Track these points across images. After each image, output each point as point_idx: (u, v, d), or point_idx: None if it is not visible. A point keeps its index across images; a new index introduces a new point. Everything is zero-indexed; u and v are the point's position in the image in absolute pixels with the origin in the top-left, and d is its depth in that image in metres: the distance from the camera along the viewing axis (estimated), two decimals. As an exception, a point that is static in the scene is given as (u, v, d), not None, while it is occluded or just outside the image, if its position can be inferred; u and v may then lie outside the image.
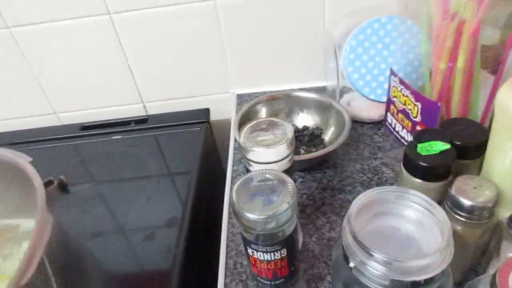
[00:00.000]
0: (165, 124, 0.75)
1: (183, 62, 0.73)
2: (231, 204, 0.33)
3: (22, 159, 0.35)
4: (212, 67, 0.74)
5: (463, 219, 0.37)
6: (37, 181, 0.33)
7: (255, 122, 0.41)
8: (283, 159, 0.39)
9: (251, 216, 0.32)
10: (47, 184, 0.35)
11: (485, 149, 0.40)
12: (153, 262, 0.51)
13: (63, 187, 0.37)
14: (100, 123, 0.77)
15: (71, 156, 0.72)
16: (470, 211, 0.36)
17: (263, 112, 0.63)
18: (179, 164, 0.66)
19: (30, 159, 0.36)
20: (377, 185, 0.54)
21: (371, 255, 0.29)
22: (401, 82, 0.50)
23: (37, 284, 0.30)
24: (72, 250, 0.41)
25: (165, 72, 0.75)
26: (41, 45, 0.71)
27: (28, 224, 0.44)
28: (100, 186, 0.64)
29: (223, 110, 0.79)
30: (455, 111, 0.50)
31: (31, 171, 0.34)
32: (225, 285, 0.45)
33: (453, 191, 0.37)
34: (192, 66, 0.74)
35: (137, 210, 0.58)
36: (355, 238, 0.30)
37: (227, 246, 0.50)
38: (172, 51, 0.72)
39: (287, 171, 0.40)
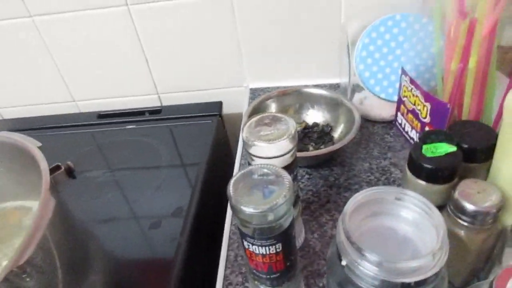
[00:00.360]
0: (178, 116, 0.76)
1: (198, 55, 0.74)
2: (228, 197, 0.33)
3: (31, 144, 0.37)
4: (226, 60, 0.74)
5: (466, 224, 0.36)
6: (43, 165, 0.34)
7: (258, 117, 0.41)
8: (285, 154, 0.39)
9: (247, 209, 0.32)
10: (55, 169, 0.36)
11: (494, 153, 0.39)
12: (157, 249, 0.52)
13: (70, 173, 0.38)
14: (116, 112, 0.79)
15: (87, 143, 0.74)
16: (473, 215, 0.36)
17: (273, 107, 0.63)
18: (190, 155, 0.67)
19: (39, 144, 0.37)
20: (384, 185, 0.53)
21: (363, 255, 0.29)
22: (412, 81, 0.50)
23: (38, 263, 0.31)
24: (79, 233, 0.42)
25: (180, 64, 0.76)
26: (62, 34, 0.73)
27: (38, 206, 0.46)
28: (112, 173, 0.66)
29: (237, 103, 0.79)
30: (467, 113, 0.48)
31: (38, 155, 0.35)
32: (225, 276, 0.46)
33: (456, 194, 0.37)
34: (207, 59, 0.75)
35: (146, 198, 0.60)
36: (348, 236, 0.30)
37: (230, 238, 0.50)
38: (188, 43, 0.73)
39: (289, 166, 0.40)
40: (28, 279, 0.31)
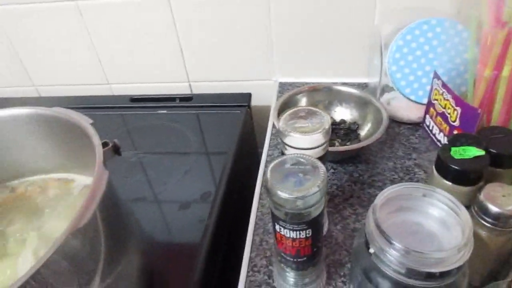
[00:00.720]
0: (208, 104, 0.78)
1: (231, 46, 0.76)
2: (265, 181, 0.35)
3: (84, 121, 0.40)
4: (258, 54, 0.76)
5: (489, 225, 0.38)
6: (96, 140, 0.37)
7: (295, 109, 0.43)
8: (317, 147, 0.41)
9: (282, 194, 0.34)
10: (103, 145, 0.39)
11: (521, 159, 0.40)
12: (185, 230, 0.55)
13: (116, 150, 0.41)
14: (148, 97, 0.82)
15: (119, 125, 0.77)
16: (496, 217, 0.37)
17: (303, 102, 0.65)
18: (217, 143, 0.70)
19: (91, 121, 0.40)
20: (407, 184, 0.55)
21: (391, 243, 0.31)
22: (444, 85, 0.51)
23: (88, 230, 0.34)
24: (120, 207, 0.45)
25: (213, 54, 0.78)
26: (102, 19, 0.76)
27: (81, 180, 0.49)
28: (143, 155, 0.69)
29: (265, 96, 0.81)
30: (496, 120, 0.50)
31: (92, 131, 0.38)
32: (250, 258, 0.48)
33: (481, 196, 0.38)
34: (239, 51, 0.77)
35: (175, 182, 0.62)
36: (377, 225, 0.32)
37: (256, 224, 0.53)
38: (222, 35, 0.75)
39: (320, 159, 0.42)
40: (75, 241, 0.34)
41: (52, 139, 0.46)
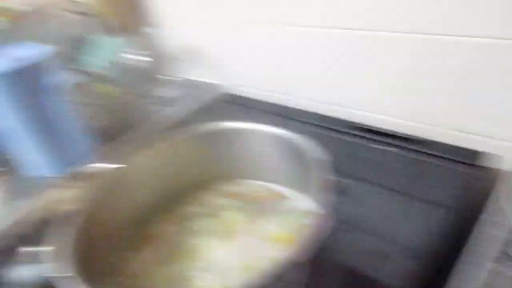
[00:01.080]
0: (433, 153, 0.74)
1: (475, 94, 0.69)
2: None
3: (323, 155, 0.45)
4: (505, 109, 0.67)
5: None
6: (329, 180, 0.41)
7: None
8: None
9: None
10: (333, 182, 0.42)
11: None
12: (382, 276, 0.53)
13: (341, 191, 0.43)
14: (382, 131, 0.82)
15: (344, 150, 0.80)
16: None
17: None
18: (437, 196, 0.65)
19: (329, 159, 0.44)
20: None
21: None
22: None
23: (301, 266, 0.37)
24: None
25: (458, 105, 0.72)
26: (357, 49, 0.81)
27: (301, 200, 0.55)
28: (358, 185, 0.68)
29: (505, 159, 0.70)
30: None
31: (328, 169, 0.43)
32: None
33: None
34: (484, 102, 0.69)
35: (380, 220, 0.62)
36: None
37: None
38: (467, 85, 0.69)
39: None
40: (287, 272, 0.37)
41: (288, 158, 0.53)
